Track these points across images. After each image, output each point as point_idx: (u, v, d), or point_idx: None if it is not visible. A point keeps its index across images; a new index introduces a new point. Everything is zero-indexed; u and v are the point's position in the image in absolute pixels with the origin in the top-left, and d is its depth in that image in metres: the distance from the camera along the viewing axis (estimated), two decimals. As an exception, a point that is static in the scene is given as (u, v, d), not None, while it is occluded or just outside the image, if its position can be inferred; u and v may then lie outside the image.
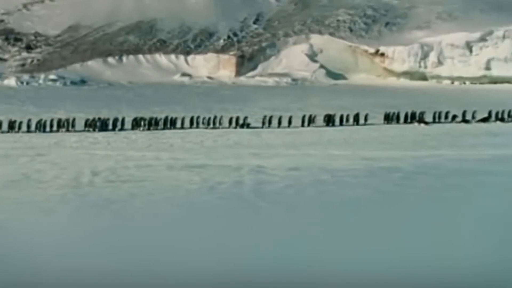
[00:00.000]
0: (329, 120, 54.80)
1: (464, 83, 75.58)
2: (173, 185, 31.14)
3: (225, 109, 63.44)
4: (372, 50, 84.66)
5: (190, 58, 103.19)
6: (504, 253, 21.48)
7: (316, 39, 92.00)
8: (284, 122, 54.47)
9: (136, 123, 54.53)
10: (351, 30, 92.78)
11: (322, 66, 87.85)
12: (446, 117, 52.93)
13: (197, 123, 55.19)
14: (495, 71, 74.84)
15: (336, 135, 49.41)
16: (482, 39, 76.25)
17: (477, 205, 28.24)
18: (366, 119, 54.19)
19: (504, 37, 75.76)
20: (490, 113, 52.34)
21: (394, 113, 54.36)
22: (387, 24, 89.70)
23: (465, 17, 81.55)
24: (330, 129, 52.82)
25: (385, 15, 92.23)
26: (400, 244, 21.72)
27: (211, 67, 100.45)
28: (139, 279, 17.87)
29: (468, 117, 52.57)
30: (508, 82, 73.81)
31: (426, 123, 51.94)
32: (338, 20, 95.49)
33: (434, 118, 52.82)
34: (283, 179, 33.00)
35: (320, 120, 54.64)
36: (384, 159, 38.71)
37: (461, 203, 28.68)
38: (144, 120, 54.96)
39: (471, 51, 76.31)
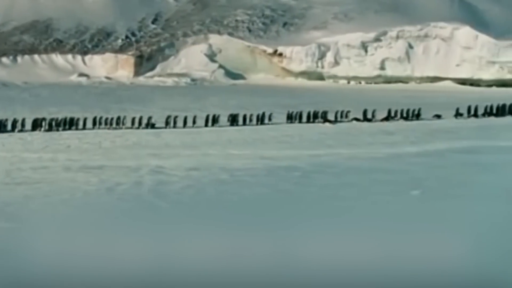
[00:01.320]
0: (233, 120, 54.95)
1: (360, 82, 77.02)
2: (70, 187, 30.73)
3: (124, 110, 62.88)
4: (270, 50, 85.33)
5: (87, 58, 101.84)
6: (396, 247, 22.03)
7: (215, 39, 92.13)
8: (188, 123, 54.28)
9: (36, 124, 53.43)
10: (249, 30, 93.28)
11: (221, 66, 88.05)
12: (347, 116, 53.78)
13: (99, 124, 54.47)
14: (389, 71, 76.56)
15: (236, 135, 49.64)
16: (377, 39, 77.87)
17: (372, 203, 28.85)
18: (270, 118, 54.55)
19: (397, 37, 77.56)
20: (389, 112, 53.41)
21: (296, 112, 54.92)
22: (285, 24, 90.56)
23: (361, 18, 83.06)
24: (229, 129, 53.02)
25: (283, 16, 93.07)
26: (298, 242, 22.02)
27: (109, 67, 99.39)
28: (31, 281, 17.57)
29: (368, 116, 53.44)
30: (401, 81, 75.60)
31: (331, 122, 52.68)
32: (236, 20, 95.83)
33: (336, 117, 53.61)
34: (182, 179, 32.97)
35: (223, 120, 54.72)
36: (282, 158, 39.12)
37: (357, 201, 29.24)
38: (45, 120, 53.91)
39: (366, 51, 77.83)
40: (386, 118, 53.09)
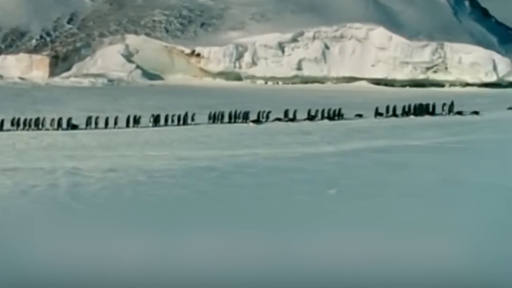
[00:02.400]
0: (155, 120, 54.56)
1: (277, 83, 77.47)
2: (-17, 190, 30.09)
3: (39, 111, 61.87)
4: (188, 51, 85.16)
5: (0, 58, 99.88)
6: (312, 245, 22.25)
7: (132, 40, 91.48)
8: (110, 123, 53.57)
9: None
10: (167, 31, 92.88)
11: (138, 67, 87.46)
12: (268, 116, 53.94)
13: (18, 125, 53.47)
14: (306, 71, 77.20)
15: (153, 136, 49.36)
16: (294, 40, 78.45)
17: (289, 202, 29.07)
18: (193, 119, 54.30)
19: (314, 38, 78.29)
20: (309, 112, 53.77)
21: (219, 113, 54.87)
22: (202, 24, 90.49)
23: (277, 19, 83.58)
24: (146, 130, 52.67)
25: (200, 16, 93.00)
26: (215, 242, 22.04)
27: (23, 67, 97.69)
28: None
29: (290, 116, 53.53)
30: (318, 82, 76.36)
31: (256, 122, 52.72)
32: (154, 21, 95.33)
33: (258, 117, 53.74)
34: (99, 181, 32.63)
35: (145, 121, 54.24)
36: (200, 158, 39.10)
37: (275, 200, 29.43)
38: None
39: (283, 51, 78.32)
40: (310, 118, 53.55)
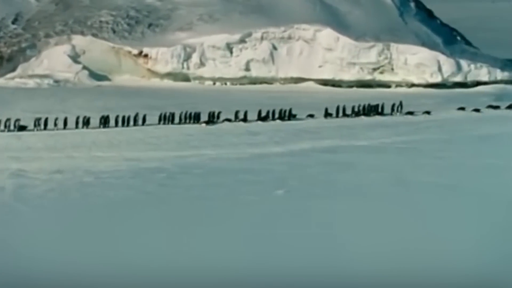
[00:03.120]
0: (105, 122, 54.03)
1: (226, 83, 77.45)
2: None
3: (-17, 112, 60.82)
4: (135, 51, 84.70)
5: None
6: (260, 244, 22.36)
7: (79, 40, 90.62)
8: (59, 125, 52.90)
9: None
10: (114, 31, 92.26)
11: (85, 68, 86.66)
12: (218, 117, 53.76)
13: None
14: (254, 72, 77.20)
15: (101, 137, 48.98)
16: (242, 40, 78.43)
17: (237, 202, 29.17)
18: (144, 120, 53.85)
19: (262, 38, 78.36)
20: (260, 112, 53.66)
21: (169, 114, 54.57)
22: (150, 25, 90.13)
23: (226, 19, 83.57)
24: (94, 131, 52.22)
25: (148, 17, 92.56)
26: (163, 242, 22.02)
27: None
28: None
29: (240, 116, 53.20)
30: (266, 82, 76.49)
31: (208, 123, 52.46)
32: (100, 21, 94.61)
33: (209, 118, 53.55)
34: (45, 182, 32.36)
35: (95, 122, 53.68)
36: (148, 159, 38.97)
37: (223, 201, 29.49)
38: None
39: (231, 52, 78.22)
40: (262, 119, 53.57)
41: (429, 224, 26.23)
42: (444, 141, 44.90)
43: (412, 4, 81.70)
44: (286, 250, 23.12)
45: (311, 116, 54.55)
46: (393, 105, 56.28)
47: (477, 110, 55.31)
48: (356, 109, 56.18)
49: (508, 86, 67.32)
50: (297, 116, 53.92)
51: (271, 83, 76.32)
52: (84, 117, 54.17)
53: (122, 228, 24.27)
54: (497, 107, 56.62)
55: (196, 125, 52.73)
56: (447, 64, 70.97)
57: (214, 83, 77.55)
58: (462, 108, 56.06)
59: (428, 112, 55.08)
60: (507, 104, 57.35)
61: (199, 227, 24.99)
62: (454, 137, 46.05)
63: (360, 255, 22.37)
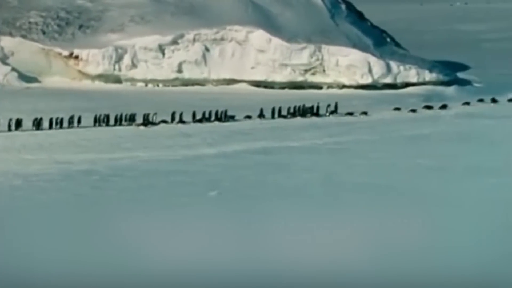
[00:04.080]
0: (38, 124, 53.18)
1: (158, 85, 77.05)
2: None
3: None
4: (66, 53, 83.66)
5: None
6: (194, 245, 22.35)
7: (7, 42, 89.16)
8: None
9: None
10: (44, 33, 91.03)
11: (14, 69, 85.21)
12: (153, 119, 53.24)
13: None
14: (187, 74, 76.89)
15: (31, 139, 48.27)
16: (174, 42, 78.06)
17: (170, 204, 29.10)
18: (79, 121, 53.15)
19: (194, 40, 78.14)
20: (194, 113, 53.41)
21: (104, 115, 53.98)
22: (81, 26, 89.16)
23: (158, 21, 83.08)
24: (23, 133, 51.39)
25: (78, 18, 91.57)
26: (96, 245, 21.85)
27: None
28: None
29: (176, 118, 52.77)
30: (198, 84, 76.32)
31: (145, 125, 51.97)
32: (30, 22, 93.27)
33: (144, 120, 53.11)
34: (-27, 186, 31.75)
35: (28, 124, 52.74)
36: (80, 162, 38.55)
37: (156, 203, 29.38)
38: None
39: (163, 54, 77.75)
40: (199, 120, 53.40)
41: (359, 223, 26.54)
42: (376, 142, 45.46)
43: (343, 6, 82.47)
44: (219, 250, 23.16)
45: (249, 117, 54.63)
46: (328, 106, 56.75)
47: (413, 111, 56.10)
48: (291, 110, 56.47)
49: (437, 87, 68.42)
50: (234, 118, 53.97)
51: (203, 85, 76.19)
52: (17, 119, 53.33)
53: (52, 231, 23.98)
54: (431, 107, 57.49)
55: (129, 127, 52.35)
56: (377, 66, 71.82)
57: (146, 85, 77.09)
58: (398, 109, 56.83)
59: (365, 113, 55.61)
60: (440, 104, 58.36)
61: (132, 229, 24.85)
62: (386, 137, 46.64)
63: (291, 255, 22.52)
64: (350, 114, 55.71)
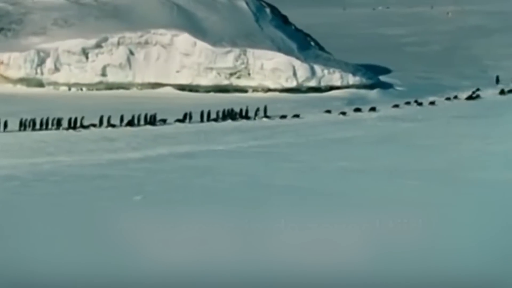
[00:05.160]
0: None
1: (81, 89, 76.25)
2: None
3: None
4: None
5: None
6: (127, 250, 22.23)
7: None
8: None
9: None
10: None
11: None
12: (81, 123, 52.54)
13: None
14: (111, 77, 76.26)
15: None
16: (98, 45, 77.32)
17: (94, 209, 28.87)
18: (6, 126, 52.10)
19: (119, 43, 77.53)
20: (121, 117, 52.89)
21: (30, 120, 53.11)
22: (1, 30, 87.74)
23: (81, 24, 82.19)
24: None
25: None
26: (18, 250, 21.57)
27: None
28: None
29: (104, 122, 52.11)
30: (123, 88, 75.79)
31: (73, 128, 51.21)
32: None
33: (70, 123, 52.37)
34: None
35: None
36: (0, 167, 37.88)
37: (79, 208, 29.12)
38: None
39: (87, 57, 76.94)
40: (130, 124, 52.97)
41: (284, 225, 26.77)
42: (301, 145, 45.88)
43: (268, 10, 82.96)
44: (144, 255, 23.11)
45: (180, 120, 54.51)
46: (257, 110, 57.05)
47: (343, 113, 56.71)
48: (219, 114, 56.54)
49: (360, 90, 69.33)
50: (166, 121, 53.71)
51: (128, 89, 75.69)
52: None
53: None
54: (359, 110, 58.12)
55: (51, 132, 51.64)
56: (302, 69, 72.45)
57: (70, 89, 76.16)
58: (329, 111, 57.42)
59: (297, 115, 56.01)
60: (368, 107, 59.06)
61: (56, 235, 24.59)
62: (310, 140, 47.10)
63: (217, 258, 22.60)
64: (284, 117, 56.03)
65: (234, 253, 23.82)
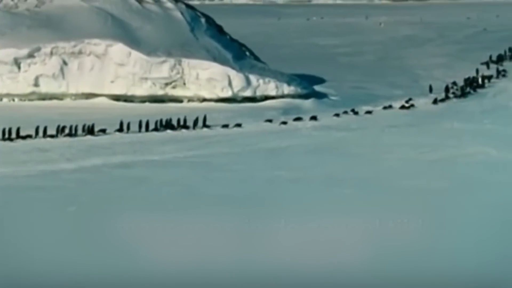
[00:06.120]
0: None
1: (13, 100, 75.22)
2: None
3: None
4: None
5: None
6: (61, 261, 22.00)
7: None
8: None
9: None
10: None
11: None
12: (18, 133, 51.56)
13: None
14: (44, 88, 75.34)
15: None
16: (30, 55, 76.32)
17: (28, 221, 28.50)
18: None
19: (52, 53, 76.63)
20: (58, 128, 52.12)
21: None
22: None
23: (13, 33, 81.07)
24: None
25: None
26: None
27: None
28: None
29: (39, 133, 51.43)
30: (56, 98, 74.96)
31: (8, 139, 50.30)
32: None
33: (3, 135, 51.44)
34: None
35: None
36: None
37: (11, 220, 28.73)
38: None
39: (19, 67, 75.86)
40: (70, 134, 52.35)
41: (220, 234, 26.84)
42: (236, 154, 45.95)
43: (203, 20, 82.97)
44: (78, 265, 22.94)
45: (120, 130, 54.12)
46: (196, 120, 57.01)
47: (284, 123, 56.85)
48: (158, 124, 56.28)
49: (295, 100, 69.74)
50: (105, 131, 53.25)
51: (61, 99, 74.86)
52: None
53: None
54: (300, 119, 58.31)
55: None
56: (237, 79, 72.60)
57: (1, 99, 75.01)
58: (270, 120, 57.60)
59: (239, 125, 56.04)
60: (305, 116, 59.32)
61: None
62: (246, 150, 47.19)
63: (152, 269, 22.53)
64: (225, 126, 56.08)
65: (172, 263, 23.78)
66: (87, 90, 75.27)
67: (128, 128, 54.68)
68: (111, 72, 76.56)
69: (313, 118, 58.47)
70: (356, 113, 60.86)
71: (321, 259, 24.62)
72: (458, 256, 25.27)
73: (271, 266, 23.59)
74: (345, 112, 60.68)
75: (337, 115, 59.81)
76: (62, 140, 51.19)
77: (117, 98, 74.32)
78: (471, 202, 31.96)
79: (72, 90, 75.12)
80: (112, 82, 75.25)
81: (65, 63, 76.17)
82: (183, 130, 55.80)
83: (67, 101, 74.15)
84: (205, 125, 56.79)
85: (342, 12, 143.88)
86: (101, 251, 24.91)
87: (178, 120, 57.15)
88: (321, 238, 26.85)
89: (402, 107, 63.33)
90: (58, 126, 53.29)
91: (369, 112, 61.14)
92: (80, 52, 76.65)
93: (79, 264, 23.14)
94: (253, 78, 73.25)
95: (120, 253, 24.87)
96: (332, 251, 25.40)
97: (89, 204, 32.08)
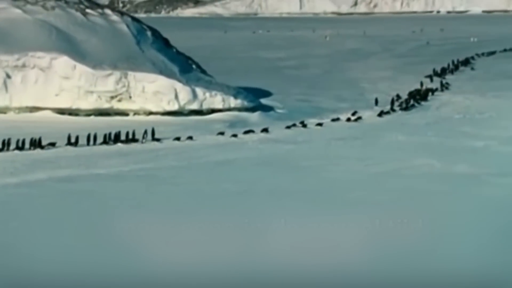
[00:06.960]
0: None
1: None
2: None
3: None
4: None
5: None
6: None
7: None
8: None
9: None
10: None
11: None
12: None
13: None
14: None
15: None
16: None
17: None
18: None
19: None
20: (3, 141, 51.43)
21: None
22: None
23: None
24: None
25: None
26: None
27: None
28: None
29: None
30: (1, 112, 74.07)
31: None
32: None
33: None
34: None
35: None
36: None
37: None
38: None
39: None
40: (18, 148, 51.60)
41: (168, 247, 26.80)
42: (183, 168, 45.82)
43: (149, 33, 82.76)
44: (20, 281, 22.69)
45: (71, 144, 53.50)
46: (144, 132, 56.61)
47: (234, 136, 56.67)
48: (106, 137, 55.77)
49: (241, 113, 69.86)
50: (55, 145, 52.61)
51: (4, 113, 73.90)
52: None
53: None
54: (252, 131, 58.14)
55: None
56: (184, 92, 72.48)
57: None
58: (222, 133, 57.40)
59: (190, 137, 55.71)
60: (257, 128, 59.31)
61: None
62: (193, 163, 47.07)
63: (98, 281, 22.36)
64: (177, 139, 55.74)
65: (117, 275, 23.62)
66: (31, 103, 74.42)
67: (77, 142, 54.18)
68: (56, 85, 75.81)
69: (265, 130, 58.56)
70: (304, 125, 61.13)
71: (267, 272, 24.66)
72: (402, 268, 25.52)
73: (216, 280, 23.57)
74: (294, 125, 60.90)
75: (288, 127, 60.02)
76: (6, 154, 50.47)
77: (62, 111, 73.60)
78: (413, 213, 32.33)
79: (16, 104, 74.21)
80: (56, 95, 74.51)
81: (8, 76, 75.25)
82: (132, 144, 55.41)
83: (11, 115, 73.23)
84: (154, 138, 56.53)
85: (288, 25, 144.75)
86: (43, 265, 24.64)
87: (127, 134, 56.74)
88: (268, 250, 26.94)
89: (349, 119, 63.84)
90: (4, 140, 52.57)
91: (319, 124, 61.45)
92: (24, 65, 75.83)
93: (20, 278, 22.88)
94: (199, 91, 73.19)
95: (63, 268, 24.65)
96: (278, 263, 25.48)
97: (32, 218, 31.66)
